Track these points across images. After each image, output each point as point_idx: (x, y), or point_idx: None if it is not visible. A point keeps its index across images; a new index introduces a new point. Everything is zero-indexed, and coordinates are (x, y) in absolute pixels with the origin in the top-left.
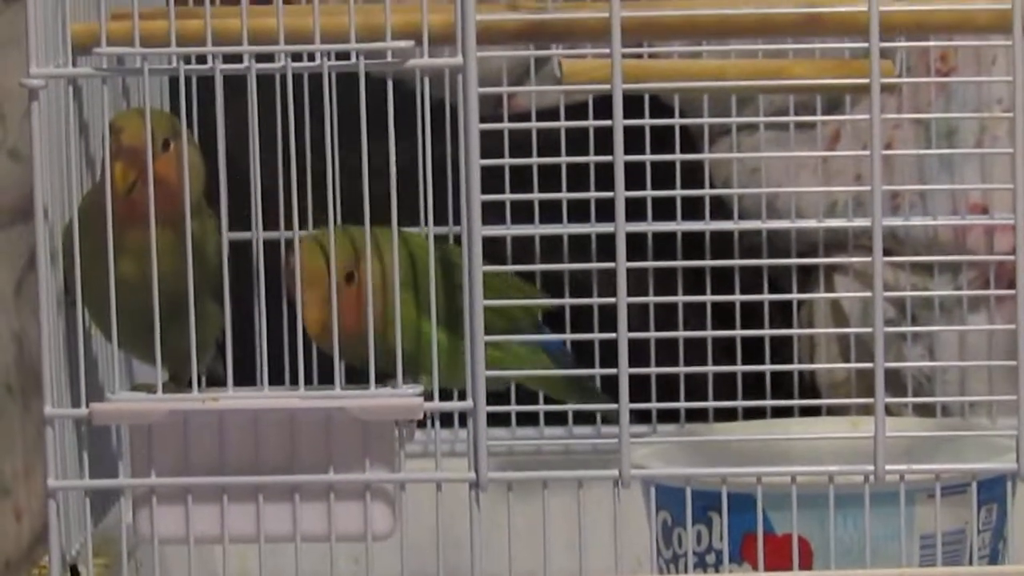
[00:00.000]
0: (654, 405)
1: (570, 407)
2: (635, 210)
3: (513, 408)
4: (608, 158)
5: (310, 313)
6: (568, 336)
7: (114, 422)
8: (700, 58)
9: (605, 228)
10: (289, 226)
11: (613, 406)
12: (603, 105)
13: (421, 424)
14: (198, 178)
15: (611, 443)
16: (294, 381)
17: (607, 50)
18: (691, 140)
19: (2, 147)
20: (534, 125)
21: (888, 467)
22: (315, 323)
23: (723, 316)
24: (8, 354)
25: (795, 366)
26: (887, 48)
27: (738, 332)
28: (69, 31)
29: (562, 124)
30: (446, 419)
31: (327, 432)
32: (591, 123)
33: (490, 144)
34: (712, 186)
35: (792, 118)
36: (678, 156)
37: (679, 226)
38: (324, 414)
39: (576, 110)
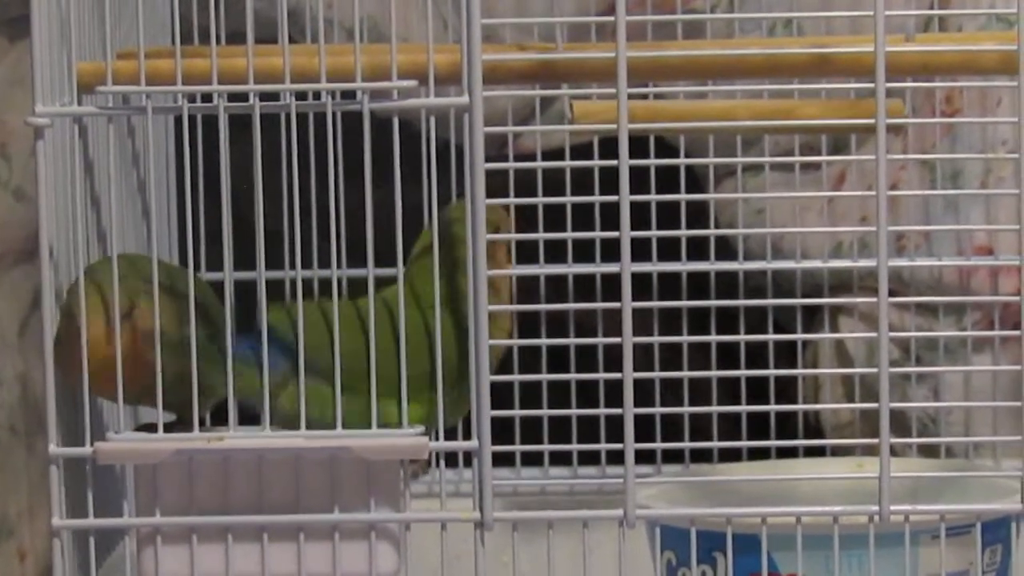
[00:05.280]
0: (659, 445)
1: (575, 447)
2: (640, 250)
3: (518, 448)
4: (613, 198)
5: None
6: (573, 376)
7: (119, 461)
8: (706, 99)
9: (610, 268)
10: (293, 266)
11: None
12: (608, 146)
13: (426, 465)
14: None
15: (616, 483)
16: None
17: (613, 90)
18: (696, 181)
19: (7, 187)
20: (539, 165)
21: (893, 508)
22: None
23: (728, 357)
24: (12, 395)
25: (800, 407)
26: (893, 89)
27: (743, 372)
28: (75, 70)
29: (567, 164)
30: (451, 459)
31: (331, 472)
32: (596, 163)
33: (495, 184)
34: (717, 227)
35: (798, 159)
36: (683, 196)
37: (684, 266)
38: (328, 454)
39: (581, 151)
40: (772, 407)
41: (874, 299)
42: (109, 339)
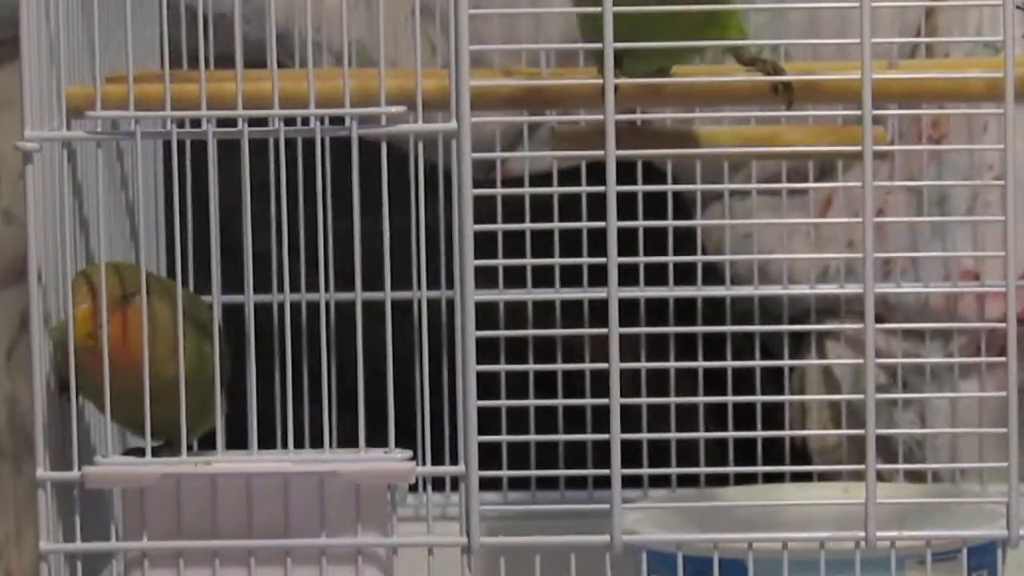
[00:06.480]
0: (646, 471)
1: (562, 472)
2: (627, 276)
3: (505, 473)
4: (601, 224)
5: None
6: (560, 402)
7: (106, 485)
8: (693, 124)
9: (598, 293)
10: (281, 289)
11: None
12: (596, 170)
13: (413, 488)
14: (166, 334)
15: (603, 508)
16: (286, 444)
17: (600, 116)
18: (684, 206)
19: None
20: (527, 191)
21: (879, 533)
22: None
23: (715, 382)
24: (0, 416)
25: (787, 432)
26: (879, 115)
27: (730, 398)
28: (64, 94)
29: (555, 190)
30: (438, 483)
31: (319, 496)
32: (584, 189)
33: (483, 209)
34: (704, 252)
35: (784, 184)
36: (671, 222)
37: (671, 292)
38: (316, 478)
39: (569, 175)
40: (759, 432)
41: (861, 324)
42: (111, 323)
